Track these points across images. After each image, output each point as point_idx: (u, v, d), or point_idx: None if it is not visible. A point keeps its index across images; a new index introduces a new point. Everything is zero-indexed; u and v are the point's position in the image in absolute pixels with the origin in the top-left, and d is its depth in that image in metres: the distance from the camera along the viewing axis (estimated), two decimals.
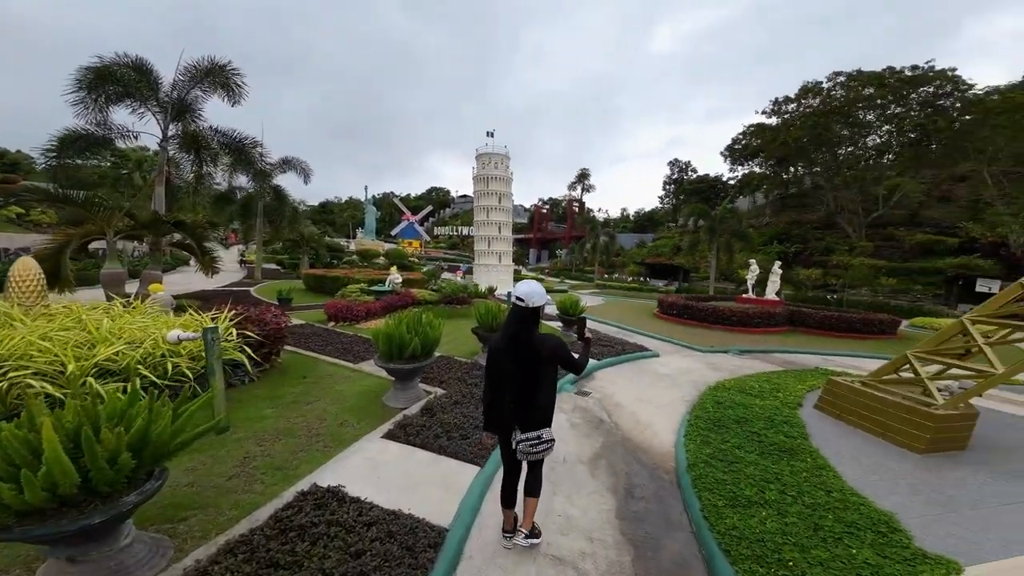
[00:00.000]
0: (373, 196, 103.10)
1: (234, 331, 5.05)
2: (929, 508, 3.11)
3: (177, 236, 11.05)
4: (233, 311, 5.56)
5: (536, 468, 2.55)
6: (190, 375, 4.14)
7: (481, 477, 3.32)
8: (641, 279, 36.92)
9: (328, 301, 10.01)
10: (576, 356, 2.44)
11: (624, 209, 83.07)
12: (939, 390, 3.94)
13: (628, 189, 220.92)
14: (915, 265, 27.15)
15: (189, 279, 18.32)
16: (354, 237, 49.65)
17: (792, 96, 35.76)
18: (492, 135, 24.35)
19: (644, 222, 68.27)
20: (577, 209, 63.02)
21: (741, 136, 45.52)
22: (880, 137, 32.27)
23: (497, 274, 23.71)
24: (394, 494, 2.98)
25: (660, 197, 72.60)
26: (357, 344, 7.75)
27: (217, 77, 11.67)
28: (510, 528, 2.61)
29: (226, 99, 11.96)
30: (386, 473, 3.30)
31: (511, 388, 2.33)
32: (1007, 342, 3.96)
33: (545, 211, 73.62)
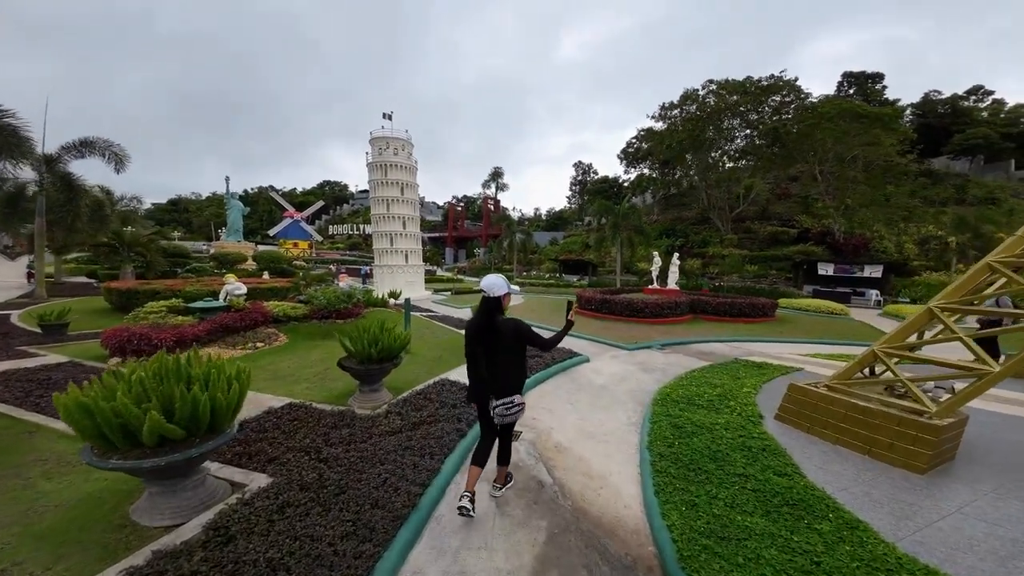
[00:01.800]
0: (245, 191, 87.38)
1: None
2: None
3: None
4: None
5: (507, 437, 3.02)
6: None
7: None
8: (556, 275, 37.55)
9: (109, 328, 6.61)
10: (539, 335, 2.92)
11: (537, 209, 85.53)
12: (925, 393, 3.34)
13: (540, 190, 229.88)
14: (769, 253, 32.53)
15: None
16: (218, 239, 40.42)
17: (675, 102, 40.01)
18: (390, 117, 21.35)
19: (555, 221, 71.00)
20: (493, 207, 62.17)
21: (634, 140, 49.80)
22: (742, 141, 37.95)
23: (404, 276, 20.92)
24: None
25: (568, 197, 76.60)
26: None
27: None
28: (471, 489, 2.76)
29: None
30: None
31: (487, 366, 2.75)
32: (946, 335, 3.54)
33: (460, 209, 71.29)
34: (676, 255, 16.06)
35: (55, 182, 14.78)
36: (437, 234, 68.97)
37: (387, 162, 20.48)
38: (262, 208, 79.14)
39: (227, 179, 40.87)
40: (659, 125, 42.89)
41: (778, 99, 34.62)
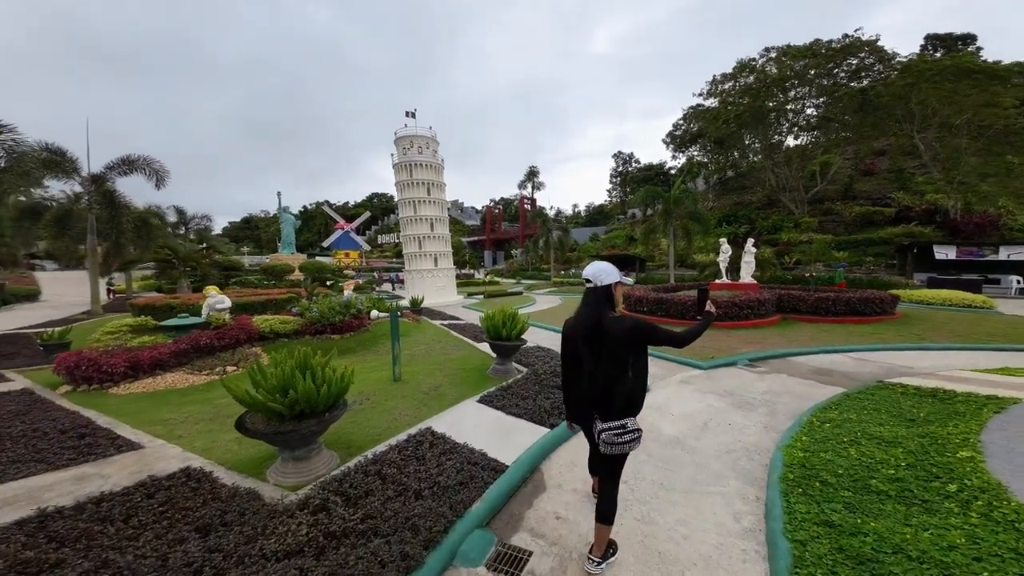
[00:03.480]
0: (304, 207, 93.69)
1: None
2: None
3: None
4: None
5: (612, 478, 2.24)
6: None
7: None
8: None
9: (62, 354, 5.59)
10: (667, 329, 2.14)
11: (575, 205, 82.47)
12: None
13: (578, 187, 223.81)
14: (861, 237, 27.20)
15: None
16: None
17: (728, 73, 35.44)
18: (413, 115, 20.29)
19: (595, 216, 67.61)
20: (529, 207, 60.34)
21: (681, 121, 45.30)
22: (814, 111, 32.56)
23: (434, 280, 19.68)
24: None
25: (608, 190, 72.62)
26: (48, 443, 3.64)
27: None
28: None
29: None
30: None
31: (588, 376, 2.15)
32: None
33: (497, 211, 70.35)
34: (751, 242, 12.99)
35: (99, 200, 15.28)
36: (476, 238, 68.51)
37: (412, 161, 19.38)
38: (318, 222, 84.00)
39: (279, 195, 43.05)
40: (710, 102, 38.39)
41: (855, 62, 29.08)
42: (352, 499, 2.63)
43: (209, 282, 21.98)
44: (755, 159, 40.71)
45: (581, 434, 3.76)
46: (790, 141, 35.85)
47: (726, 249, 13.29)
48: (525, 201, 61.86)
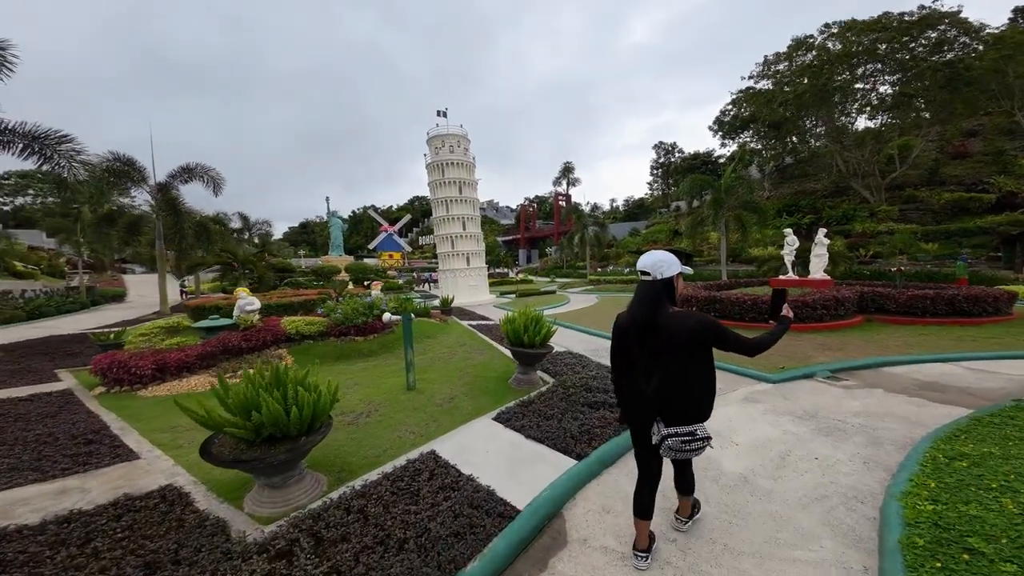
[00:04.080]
0: (353, 211, 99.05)
1: None
2: None
3: None
4: None
5: (686, 465, 2.24)
6: None
7: None
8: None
9: (99, 355, 5.74)
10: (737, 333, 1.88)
11: (613, 200, 79.73)
12: None
13: (615, 182, 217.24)
14: (953, 227, 23.34)
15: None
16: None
17: (783, 52, 32.05)
18: (444, 114, 20.20)
19: (635, 210, 64.78)
20: (564, 203, 58.97)
21: (730, 106, 41.86)
22: (893, 87, 28.51)
23: (466, 280, 19.46)
24: None
25: (648, 183, 69.26)
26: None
27: None
28: (644, 547, 2.11)
29: None
30: None
31: (644, 377, 1.96)
32: None
33: (532, 210, 69.65)
34: (822, 232, 11.26)
35: (163, 207, 16.63)
36: (510, 237, 68.24)
37: (444, 161, 19.26)
38: (366, 226, 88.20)
39: (327, 200, 45.47)
40: (761, 84, 34.95)
41: (934, 35, 24.96)
42: (324, 543, 2.13)
43: (266, 283, 23.48)
44: (818, 144, 36.55)
45: (615, 470, 3.08)
46: (861, 123, 31.75)
47: (792, 241, 11.65)
48: (560, 197, 60.51)
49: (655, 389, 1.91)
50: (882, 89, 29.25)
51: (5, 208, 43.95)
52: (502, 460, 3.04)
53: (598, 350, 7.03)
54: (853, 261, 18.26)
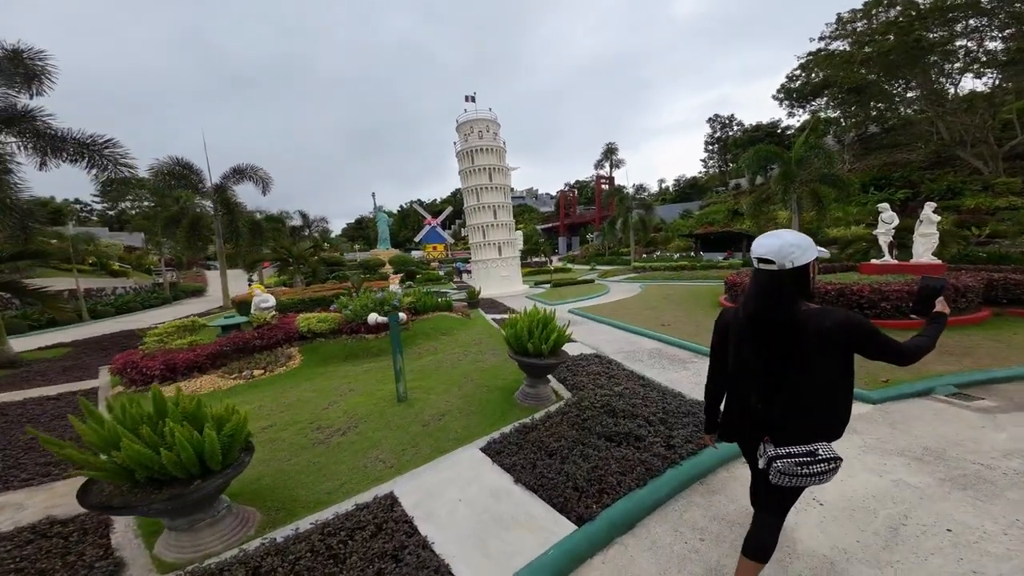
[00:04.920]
0: (401, 206, 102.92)
1: None
2: None
3: None
4: None
5: (779, 511, 1.65)
6: None
7: None
8: (692, 254, 30.25)
9: (120, 355, 5.80)
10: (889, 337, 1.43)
11: (662, 180, 74.52)
12: None
13: (664, 163, 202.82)
14: None
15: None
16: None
17: (859, 9, 26.98)
18: (473, 99, 19.41)
19: (687, 190, 59.97)
20: (606, 186, 55.92)
21: (799, 71, 36.54)
22: (1006, 43, 22.87)
23: (498, 270, 18.79)
24: None
25: (703, 160, 63.65)
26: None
27: None
28: None
29: None
30: None
31: (756, 386, 1.56)
32: None
33: (572, 195, 67.18)
34: (930, 207, 8.96)
35: (219, 206, 17.74)
36: (549, 224, 66.45)
37: (474, 147, 18.57)
38: (412, 219, 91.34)
39: (373, 195, 47.42)
40: (835, 45, 29.85)
41: None
42: None
43: (319, 276, 24.70)
44: (911, 109, 30.73)
45: (632, 540, 2.14)
46: (966, 83, 25.97)
47: (889, 217, 9.47)
48: (602, 180, 57.40)
49: (768, 402, 1.54)
50: (991, 45, 23.59)
51: (110, 212, 50.83)
52: (474, 516, 2.25)
53: (634, 352, 5.96)
54: (968, 242, 14.93)
